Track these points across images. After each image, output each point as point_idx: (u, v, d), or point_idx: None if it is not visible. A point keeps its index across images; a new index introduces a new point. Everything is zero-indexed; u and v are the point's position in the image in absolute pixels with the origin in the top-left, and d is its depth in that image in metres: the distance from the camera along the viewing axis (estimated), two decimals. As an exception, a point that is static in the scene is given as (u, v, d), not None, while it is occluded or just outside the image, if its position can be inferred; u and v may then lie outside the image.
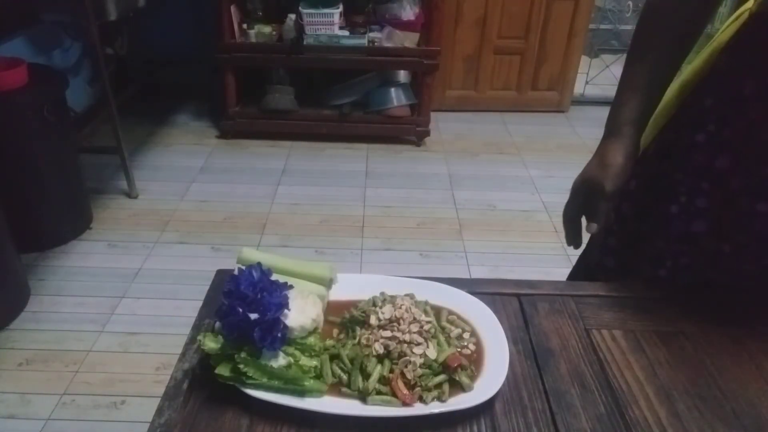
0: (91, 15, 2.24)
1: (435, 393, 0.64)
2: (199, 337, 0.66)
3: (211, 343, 0.65)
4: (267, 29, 2.97)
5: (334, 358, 0.67)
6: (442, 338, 0.69)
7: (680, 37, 0.79)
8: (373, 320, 0.69)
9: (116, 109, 2.42)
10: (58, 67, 2.62)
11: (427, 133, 3.06)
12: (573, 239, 0.88)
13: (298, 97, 3.08)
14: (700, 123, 0.79)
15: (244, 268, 0.67)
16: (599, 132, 0.86)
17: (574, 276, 1.03)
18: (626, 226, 0.89)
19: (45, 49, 2.60)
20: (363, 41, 2.89)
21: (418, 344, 0.67)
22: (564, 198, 0.90)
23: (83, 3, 2.20)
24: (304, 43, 2.86)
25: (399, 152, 3.01)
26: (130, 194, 2.57)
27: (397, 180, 2.76)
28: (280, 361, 0.64)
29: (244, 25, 2.97)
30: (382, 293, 0.75)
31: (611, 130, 0.82)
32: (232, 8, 2.91)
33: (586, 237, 0.88)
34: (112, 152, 2.50)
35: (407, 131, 3.08)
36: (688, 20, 0.77)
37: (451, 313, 0.75)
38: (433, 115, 3.10)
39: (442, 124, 3.28)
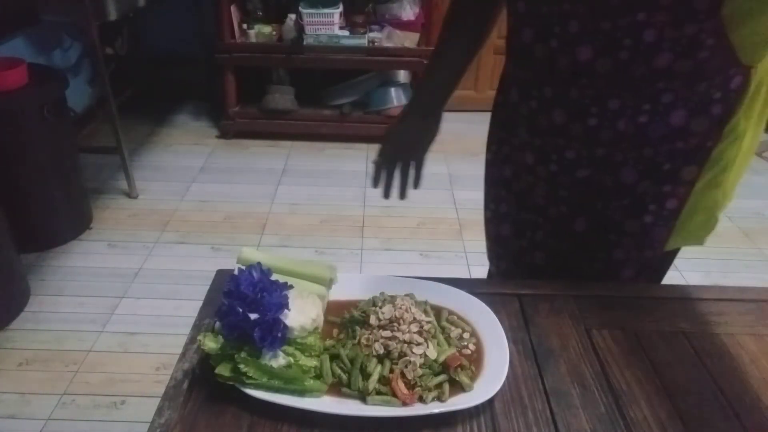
0: (91, 15, 2.24)
1: (435, 393, 0.64)
2: (199, 337, 0.66)
3: (211, 343, 0.65)
4: (267, 29, 2.97)
5: (334, 358, 0.67)
6: (442, 338, 0.69)
7: (473, 28, 0.92)
8: (373, 320, 0.69)
9: (116, 109, 2.42)
10: (58, 67, 2.63)
11: (427, 133, 3.06)
12: (389, 186, 0.99)
13: (298, 97, 3.08)
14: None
15: (244, 268, 0.67)
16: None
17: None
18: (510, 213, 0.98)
19: (45, 49, 2.60)
20: (363, 41, 2.89)
21: (418, 344, 0.67)
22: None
23: (83, 3, 2.20)
24: (304, 43, 2.86)
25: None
26: (130, 194, 2.57)
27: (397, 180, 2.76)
28: (280, 361, 0.64)
29: (244, 25, 2.97)
30: (382, 293, 0.75)
31: (428, 103, 0.97)
32: (232, 8, 2.91)
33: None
34: (112, 152, 2.50)
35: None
36: (478, 17, 0.91)
37: (451, 313, 0.75)
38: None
39: (443, 124, 3.28)
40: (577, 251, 0.88)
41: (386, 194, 0.99)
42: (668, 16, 0.65)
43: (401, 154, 0.97)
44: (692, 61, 0.69)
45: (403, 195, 0.98)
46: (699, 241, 0.85)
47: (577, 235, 0.86)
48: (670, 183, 0.78)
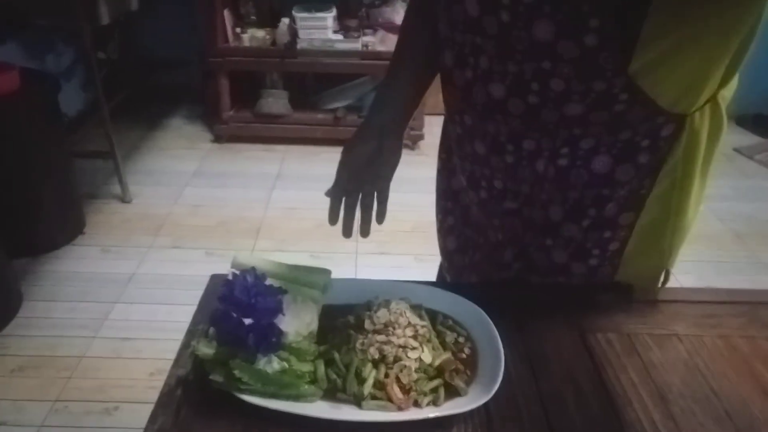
0: (83, 19, 2.23)
1: (430, 397, 0.64)
2: (193, 343, 0.66)
3: (205, 349, 0.64)
4: (260, 33, 2.97)
5: (329, 362, 0.67)
6: (437, 342, 0.69)
7: (429, 41, 0.81)
8: (368, 324, 0.69)
9: (109, 113, 2.41)
10: (51, 72, 2.61)
11: (421, 137, 3.07)
12: (349, 223, 0.87)
13: (292, 101, 3.08)
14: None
15: (238, 272, 0.67)
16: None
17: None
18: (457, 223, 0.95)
19: (38, 53, 2.59)
20: (356, 45, 2.89)
21: (413, 348, 0.66)
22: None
23: (75, 7, 2.19)
24: (298, 47, 2.86)
25: (393, 156, 3.00)
26: (124, 199, 2.56)
27: (391, 183, 2.75)
28: (275, 366, 0.63)
29: (238, 29, 2.97)
30: (377, 297, 0.75)
31: (386, 124, 0.83)
32: (226, 12, 2.91)
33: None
34: (105, 157, 2.49)
35: (401, 135, 3.07)
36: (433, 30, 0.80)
37: (446, 316, 0.75)
38: (427, 118, 3.10)
39: (437, 129, 3.27)
40: (512, 283, 0.85)
41: (347, 232, 0.85)
42: (573, 70, 0.62)
43: (362, 183, 0.84)
44: (607, 112, 0.65)
45: (366, 232, 0.85)
46: (651, 287, 0.83)
47: (505, 265, 0.85)
48: (609, 229, 0.77)
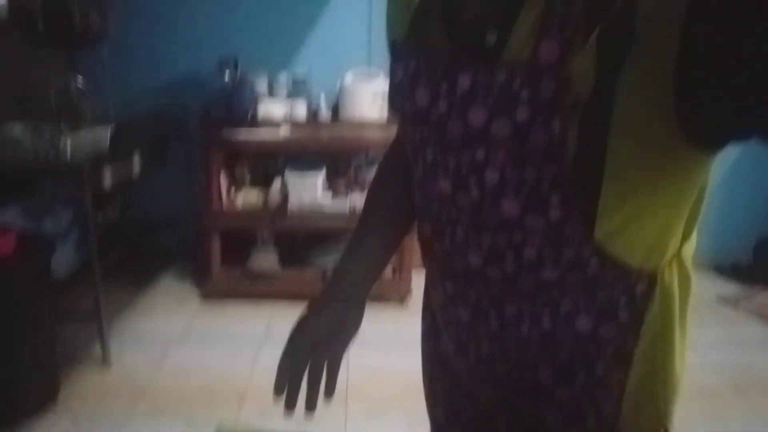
0: (87, 186, 2.31)
1: None
2: None
3: None
4: (253, 194, 3.11)
5: None
6: None
7: (399, 206, 0.85)
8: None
9: (100, 274, 2.41)
10: (48, 233, 2.67)
11: (409, 292, 3.08)
12: (294, 395, 0.81)
13: (282, 257, 3.13)
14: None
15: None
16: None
17: None
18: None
19: (37, 216, 2.66)
20: (344, 206, 3.02)
21: None
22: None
23: (82, 174, 2.29)
24: (288, 208, 2.99)
25: (381, 313, 2.92)
26: (104, 363, 2.46)
27: (380, 342, 2.67)
28: None
29: (233, 188, 3.11)
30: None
31: (349, 293, 0.84)
32: (222, 174, 3.06)
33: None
34: (90, 318, 2.43)
35: (388, 292, 3.06)
36: (403, 195, 0.84)
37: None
38: (415, 273, 3.14)
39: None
40: None
41: (290, 404, 0.79)
42: (543, 240, 0.66)
43: (315, 352, 0.79)
44: (581, 274, 0.68)
45: (312, 405, 0.77)
46: None
47: None
48: (601, 389, 0.75)
